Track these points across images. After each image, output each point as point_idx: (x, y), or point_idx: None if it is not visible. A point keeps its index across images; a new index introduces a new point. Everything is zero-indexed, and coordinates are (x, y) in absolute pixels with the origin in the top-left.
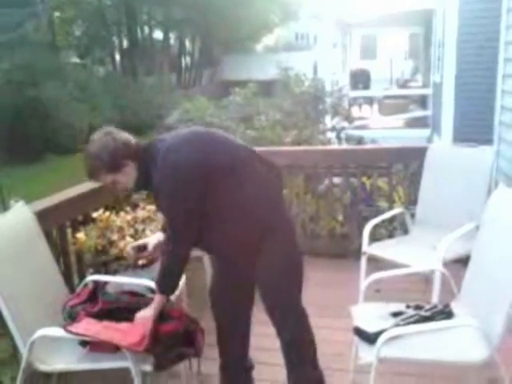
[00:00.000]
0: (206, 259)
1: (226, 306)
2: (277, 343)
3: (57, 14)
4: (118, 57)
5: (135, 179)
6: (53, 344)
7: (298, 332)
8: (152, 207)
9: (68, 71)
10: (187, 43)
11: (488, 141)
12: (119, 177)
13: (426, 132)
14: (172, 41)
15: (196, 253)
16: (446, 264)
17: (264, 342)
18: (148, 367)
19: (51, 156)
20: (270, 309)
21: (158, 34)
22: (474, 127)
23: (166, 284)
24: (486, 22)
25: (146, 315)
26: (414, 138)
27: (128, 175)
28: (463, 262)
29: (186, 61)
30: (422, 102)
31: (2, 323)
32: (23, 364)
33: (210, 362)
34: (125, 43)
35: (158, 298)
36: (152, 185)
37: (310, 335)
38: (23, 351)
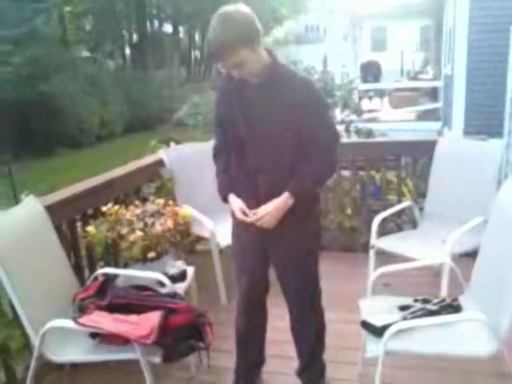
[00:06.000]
0: (216, 253)
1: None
2: (283, 336)
3: (67, 8)
4: (127, 50)
5: (260, 69)
6: (63, 336)
7: (322, 317)
8: (161, 201)
9: (78, 65)
10: (197, 37)
11: (498, 133)
12: (251, 55)
13: (437, 125)
14: (181, 34)
15: (205, 247)
16: (454, 258)
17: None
18: (157, 359)
19: (63, 150)
20: (297, 292)
21: (168, 28)
22: (485, 120)
23: (308, 188)
24: (498, 13)
25: (267, 209)
26: (424, 130)
27: (259, 58)
28: (472, 255)
29: (195, 54)
30: (433, 94)
31: (14, 314)
32: (35, 354)
33: (218, 355)
34: (134, 37)
35: (287, 199)
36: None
37: None
38: (35, 342)
